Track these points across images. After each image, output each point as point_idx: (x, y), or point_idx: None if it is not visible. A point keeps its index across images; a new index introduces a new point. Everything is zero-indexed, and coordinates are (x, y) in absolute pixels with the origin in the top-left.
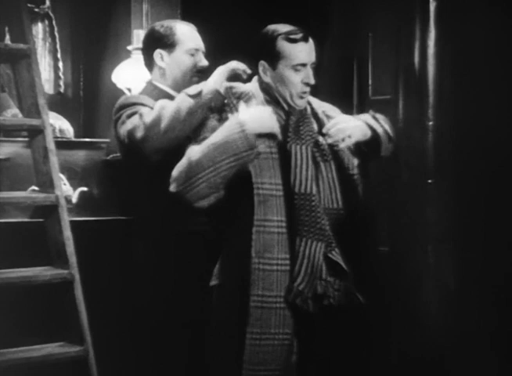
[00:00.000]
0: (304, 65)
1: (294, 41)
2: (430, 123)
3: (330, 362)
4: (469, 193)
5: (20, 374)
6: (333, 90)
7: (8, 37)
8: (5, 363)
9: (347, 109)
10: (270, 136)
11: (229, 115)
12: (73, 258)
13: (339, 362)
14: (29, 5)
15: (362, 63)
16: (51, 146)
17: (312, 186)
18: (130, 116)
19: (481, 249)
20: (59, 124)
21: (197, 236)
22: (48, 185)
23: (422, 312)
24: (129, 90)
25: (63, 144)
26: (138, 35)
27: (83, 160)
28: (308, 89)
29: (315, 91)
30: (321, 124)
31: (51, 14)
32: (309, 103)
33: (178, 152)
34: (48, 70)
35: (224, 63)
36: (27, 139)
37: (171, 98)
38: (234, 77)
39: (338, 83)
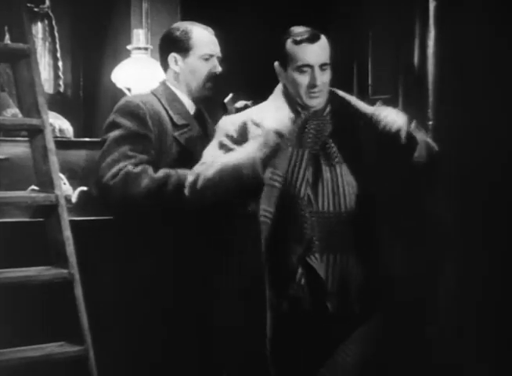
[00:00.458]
0: (309, 66)
1: (299, 42)
2: (430, 123)
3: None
4: (469, 193)
5: (20, 374)
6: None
7: (7, 36)
8: (5, 363)
9: None
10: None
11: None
12: (73, 258)
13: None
14: (29, 4)
15: (362, 63)
16: (51, 145)
17: (303, 189)
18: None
19: (482, 249)
20: (58, 123)
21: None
22: (48, 184)
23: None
24: (129, 90)
25: (62, 144)
26: (138, 35)
27: (83, 160)
28: (315, 89)
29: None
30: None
31: (51, 14)
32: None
33: None
34: (47, 69)
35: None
36: (26, 138)
37: (180, 101)
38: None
39: (338, 83)
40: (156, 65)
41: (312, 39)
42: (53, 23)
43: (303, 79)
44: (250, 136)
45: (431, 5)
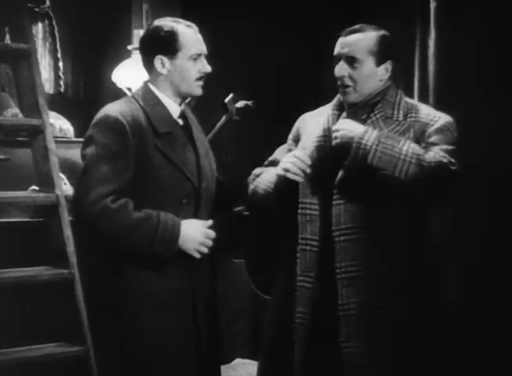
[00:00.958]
0: (336, 58)
1: (339, 36)
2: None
3: None
4: (470, 194)
5: (20, 374)
6: (334, 89)
7: (8, 37)
8: (5, 363)
9: None
10: None
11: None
12: (73, 258)
13: None
14: (29, 4)
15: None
16: (51, 145)
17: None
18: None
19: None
20: (59, 123)
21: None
22: (48, 184)
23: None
24: (129, 89)
25: (63, 144)
26: (139, 35)
27: None
28: (339, 82)
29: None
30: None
31: (51, 14)
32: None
33: None
34: (48, 69)
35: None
36: (27, 138)
37: (163, 106)
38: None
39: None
40: None
41: (349, 32)
42: (54, 23)
43: (334, 72)
44: (301, 139)
45: (432, 6)
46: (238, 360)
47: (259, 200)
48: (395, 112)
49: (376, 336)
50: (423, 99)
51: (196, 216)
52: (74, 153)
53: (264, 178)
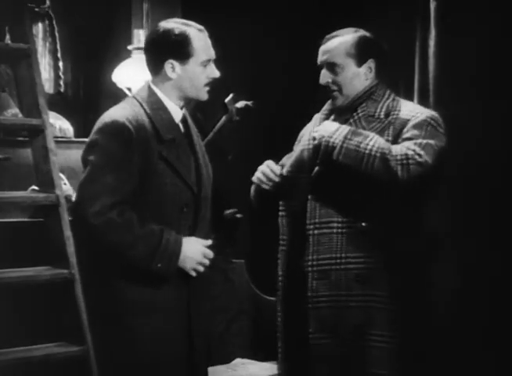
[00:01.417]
0: (319, 66)
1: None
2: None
3: None
4: (470, 193)
5: (20, 374)
6: None
7: (8, 36)
8: (5, 363)
9: None
10: None
11: None
12: (73, 258)
13: None
14: (29, 4)
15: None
16: (51, 145)
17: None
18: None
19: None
20: (59, 123)
21: None
22: (48, 184)
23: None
24: (129, 89)
25: (63, 144)
26: (139, 35)
27: None
28: (326, 90)
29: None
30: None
31: (51, 14)
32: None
33: None
34: (48, 69)
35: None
36: (27, 138)
37: (166, 110)
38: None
39: None
40: None
41: (326, 39)
42: (54, 23)
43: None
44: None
45: (432, 6)
46: (238, 360)
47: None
48: (378, 110)
49: (345, 329)
50: (423, 99)
51: (194, 224)
52: (74, 153)
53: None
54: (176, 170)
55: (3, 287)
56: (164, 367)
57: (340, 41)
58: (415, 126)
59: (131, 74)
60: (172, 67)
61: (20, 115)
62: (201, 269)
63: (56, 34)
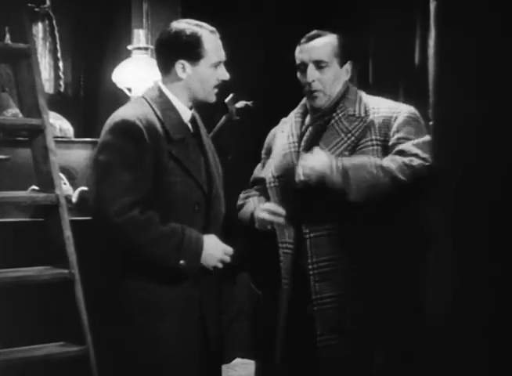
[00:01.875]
0: (303, 64)
1: (300, 44)
2: (430, 123)
3: None
4: (470, 193)
5: (20, 374)
6: None
7: (8, 36)
8: (5, 363)
9: None
10: None
11: None
12: (73, 258)
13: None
14: (29, 4)
15: (362, 64)
16: (51, 145)
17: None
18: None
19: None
20: (59, 123)
21: None
22: (48, 184)
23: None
24: (129, 90)
25: (63, 144)
26: (139, 35)
27: (83, 160)
28: (310, 88)
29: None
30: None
31: (51, 14)
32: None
33: None
34: (48, 69)
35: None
36: (27, 138)
37: (175, 110)
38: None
39: None
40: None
41: (309, 38)
42: (54, 23)
43: (302, 78)
44: (273, 149)
45: (432, 5)
46: (238, 360)
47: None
48: (356, 109)
49: (351, 328)
50: (423, 99)
51: (206, 223)
52: (74, 153)
53: (244, 213)
54: (186, 169)
55: (3, 287)
56: (179, 368)
57: (327, 41)
58: (403, 124)
59: (131, 74)
60: (183, 68)
61: (20, 115)
62: (221, 266)
63: (56, 34)
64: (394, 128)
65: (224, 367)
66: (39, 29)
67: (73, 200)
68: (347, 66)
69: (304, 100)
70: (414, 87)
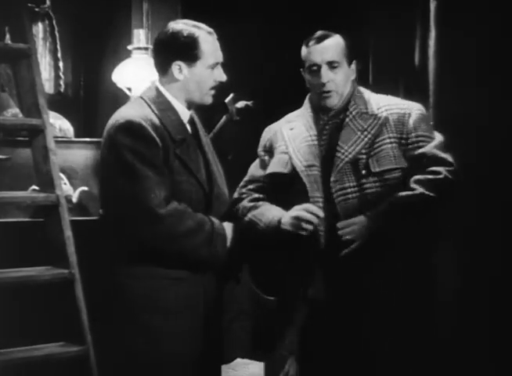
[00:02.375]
0: (316, 65)
1: (309, 45)
2: (431, 123)
3: None
4: (470, 193)
5: (20, 374)
6: None
7: (8, 36)
8: (5, 363)
9: None
10: None
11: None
12: (73, 258)
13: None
14: (29, 4)
15: (363, 63)
16: (51, 145)
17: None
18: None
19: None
20: (59, 123)
21: None
22: (48, 184)
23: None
24: (129, 89)
25: (63, 144)
26: (139, 35)
27: (83, 159)
28: (324, 88)
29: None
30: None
31: (51, 14)
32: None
33: None
34: (48, 69)
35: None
36: (27, 138)
37: (174, 111)
38: None
39: None
40: None
41: (319, 39)
42: (54, 23)
43: (314, 80)
44: (275, 148)
45: (432, 5)
46: (238, 360)
47: (256, 230)
48: (368, 106)
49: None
50: (423, 99)
51: None
52: (74, 153)
53: (264, 216)
54: (189, 168)
55: (3, 287)
56: (180, 367)
57: (337, 41)
58: (418, 122)
59: (131, 73)
60: (179, 69)
61: (20, 115)
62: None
63: (56, 34)
64: (410, 125)
65: (224, 368)
66: (39, 29)
67: (74, 200)
68: (353, 66)
69: (307, 99)
70: (414, 87)
